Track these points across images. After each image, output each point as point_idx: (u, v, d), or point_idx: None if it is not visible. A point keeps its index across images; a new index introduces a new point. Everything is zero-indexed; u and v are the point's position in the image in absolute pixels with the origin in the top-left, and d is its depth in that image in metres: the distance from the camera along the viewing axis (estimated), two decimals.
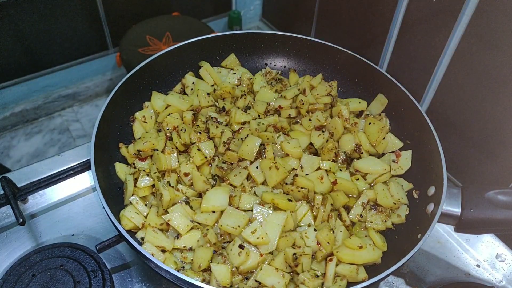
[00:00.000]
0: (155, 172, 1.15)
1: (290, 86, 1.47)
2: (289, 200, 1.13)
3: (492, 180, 1.43)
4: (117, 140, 1.27)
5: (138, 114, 1.33)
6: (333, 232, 1.10)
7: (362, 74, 1.43)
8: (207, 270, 1.04)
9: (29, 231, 1.26)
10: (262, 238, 1.05)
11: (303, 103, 1.35)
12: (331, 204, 1.16)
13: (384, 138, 1.30)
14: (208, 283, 1.02)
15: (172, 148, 1.22)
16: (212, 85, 1.44)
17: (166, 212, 1.10)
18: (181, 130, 1.25)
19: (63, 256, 1.12)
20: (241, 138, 1.25)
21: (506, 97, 1.26)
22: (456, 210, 1.06)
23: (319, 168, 1.23)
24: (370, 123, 1.32)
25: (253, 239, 1.05)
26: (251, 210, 1.11)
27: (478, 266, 1.28)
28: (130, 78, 1.31)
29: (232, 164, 1.23)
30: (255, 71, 1.51)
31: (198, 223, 1.12)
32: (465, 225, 1.07)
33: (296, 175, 1.20)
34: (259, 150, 1.22)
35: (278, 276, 1.01)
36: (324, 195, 1.17)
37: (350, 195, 1.21)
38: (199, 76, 1.46)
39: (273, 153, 1.23)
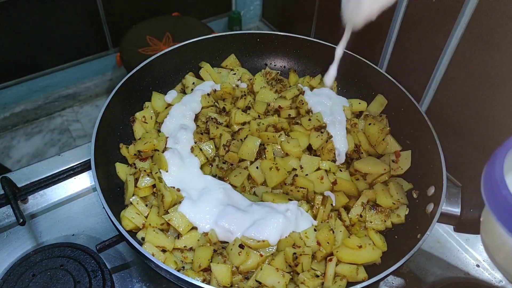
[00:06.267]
0: (156, 172, 1.15)
1: (290, 86, 1.47)
2: (289, 200, 1.13)
3: None
4: (118, 140, 1.27)
5: (138, 115, 1.33)
6: (333, 232, 1.10)
7: (361, 74, 1.43)
8: (208, 270, 1.04)
9: (29, 231, 1.26)
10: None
11: (303, 103, 1.36)
12: (331, 204, 1.16)
13: (384, 139, 1.30)
14: (209, 283, 1.02)
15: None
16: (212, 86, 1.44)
17: (167, 212, 1.10)
18: None
19: (63, 256, 1.12)
20: (241, 139, 1.25)
21: (506, 97, 1.26)
22: (456, 210, 1.06)
23: (319, 169, 1.23)
24: (370, 124, 1.32)
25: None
26: None
27: (478, 266, 1.28)
28: (130, 78, 1.31)
29: (232, 164, 1.23)
30: (255, 71, 1.51)
31: None
32: (464, 225, 1.07)
33: (296, 175, 1.20)
34: (259, 151, 1.22)
35: (278, 276, 1.01)
36: (324, 195, 1.17)
37: (350, 195, 1.21)
38: (199, 77, 1.46)
39: (273, 153, 1.23)
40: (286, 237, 1.07)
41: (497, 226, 0.66)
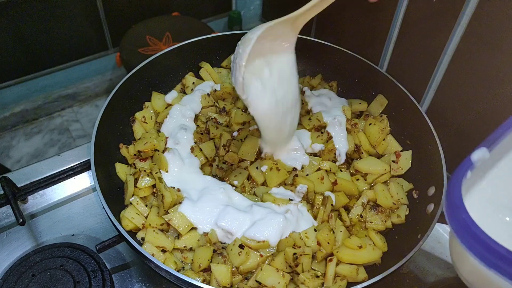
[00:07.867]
0: (156, 172, 1.15)
1: None
2: (290, 200, 1.13)
3: None
4: (117, 141, 1.27)
5: (138, 115, 1.33)
6: (333, 232, 1.10)
7: (362, 74, 1.43)
8: (207, 270, 1.04)
9: (29, 231, 1.26)
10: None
11: (303, 103, 1.35)
12: (332, 204, 1.16)
13: (384, 139, 1.30)
14: (209, 283, 1.02)
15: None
16: (212, 86, 1.44)
17: (167, 212, 1.10)
18: None
19: (63, 256, 1.12)
20: (241, 139, 1.25)
21: (506, 97, 1.26)
22: None
23: (319, 169, 1.23)
24: (370, 124, 1.32)
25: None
26: None
27: None
28: (130, 78, 1.31)
29: (232, 164, 1.23)
30: None
31: None
32: None
33: (296, 175, 1.20)
34: (259, 150, 1.22)
35: (278, 276, 1.01)
36: (324, 195, 1.17)
37: (350, 196, 1.21)
38: (199, 77, 1.46)
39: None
40: (286, 237, 1.07)
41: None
